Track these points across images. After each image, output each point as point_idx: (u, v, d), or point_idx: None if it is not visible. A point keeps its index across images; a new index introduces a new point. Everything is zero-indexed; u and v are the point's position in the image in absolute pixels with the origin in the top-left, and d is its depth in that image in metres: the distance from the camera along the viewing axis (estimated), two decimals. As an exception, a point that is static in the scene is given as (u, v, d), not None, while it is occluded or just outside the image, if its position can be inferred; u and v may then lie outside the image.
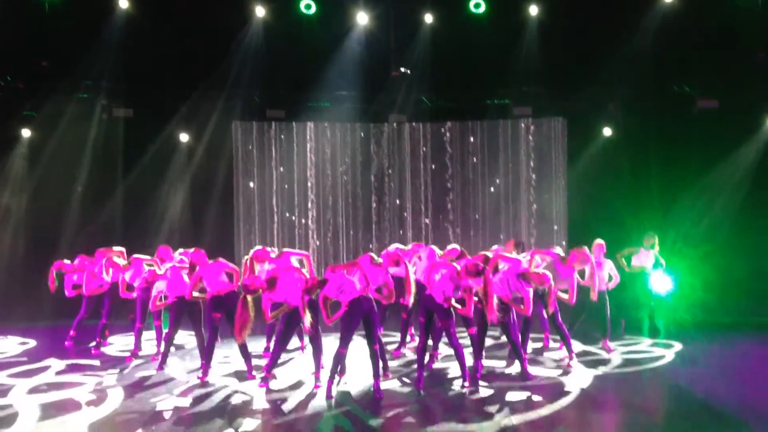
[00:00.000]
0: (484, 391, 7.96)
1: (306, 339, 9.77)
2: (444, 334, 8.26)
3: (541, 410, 7.15)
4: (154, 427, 6.76)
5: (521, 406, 7.32)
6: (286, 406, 7.45)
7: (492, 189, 16.73)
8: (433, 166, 16.97)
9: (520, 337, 8.77)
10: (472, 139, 16.85)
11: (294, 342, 10.17)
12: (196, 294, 8.91)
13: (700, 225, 14.71)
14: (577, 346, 10.10)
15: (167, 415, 7.16)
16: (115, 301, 10.73)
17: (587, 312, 9.98)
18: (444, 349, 9.95)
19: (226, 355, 9.88)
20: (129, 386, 8.39)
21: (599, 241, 10.32)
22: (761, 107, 14.70)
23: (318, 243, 16.79)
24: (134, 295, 10.18)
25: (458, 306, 7.93)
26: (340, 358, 7.80)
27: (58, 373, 9.16)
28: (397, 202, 17.01)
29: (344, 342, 7.79)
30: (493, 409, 7.23)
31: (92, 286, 10.69)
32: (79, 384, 8.48)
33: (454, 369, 8.88)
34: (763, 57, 13.99)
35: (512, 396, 7.74)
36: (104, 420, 7.01)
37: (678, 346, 10.35)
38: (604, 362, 9.40)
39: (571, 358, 9.21)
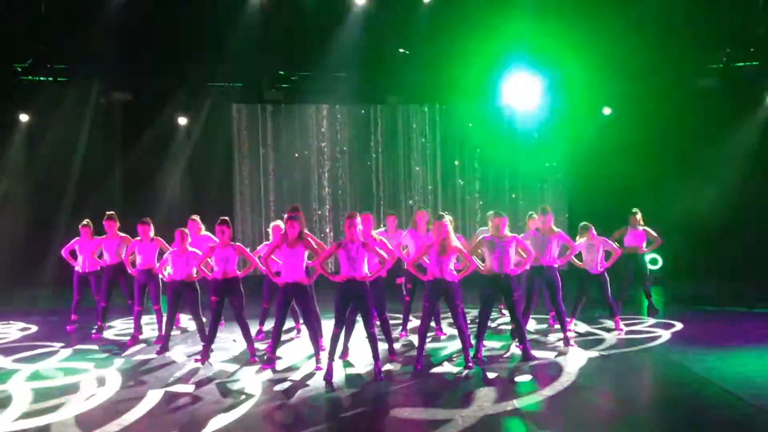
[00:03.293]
0: (486, 372, 7.97)
1: (301, 321, 9.84)
2: (451, 314, 8.27)
3: (543, 391, 7.17)
4: (155, 410, 6.78)
5: (522, 387, 7.34)
6: (287, 388, 7.47)
7: (491, 168, 16.76)
8: (432, 146, 16.96)
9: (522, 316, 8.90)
10: (471, 120, 16.82)
11: (289, 323, 10.27)
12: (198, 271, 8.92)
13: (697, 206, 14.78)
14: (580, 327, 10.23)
15: (167, 399, 7.17)
16: (111, 283, 10.57)
17: (588, 294, 10.10)
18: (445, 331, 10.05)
19: (235, 339, 9.85)
20: (129, 370, 8.40)
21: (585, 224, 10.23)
22: (762, 84, 14.64)
23: (317, 222, 16.80)
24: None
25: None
26: (334, 339, 7.80)
27: (60, 358, 9.17)
28: (396, 182, 17.01)
29: (337, 323, 7.80)
30: (494, 389, 7.24)
31: (88, 263, 10.72)
32: (79, 369, 8.51)
33: (451, 350, 8.95)
34: (763, 33, 13.91)
35: (513, 377, 7.77)
36: (103, 404, 7.03)
37: (679, 326, 10.38)
38: (605, 342, 9.42)
39: (566, 336, 9.23)
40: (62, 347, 9.70)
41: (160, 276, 9.86)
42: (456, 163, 16.90)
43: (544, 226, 9.38)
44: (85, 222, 10.86)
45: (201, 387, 7.60)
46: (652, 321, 10.84)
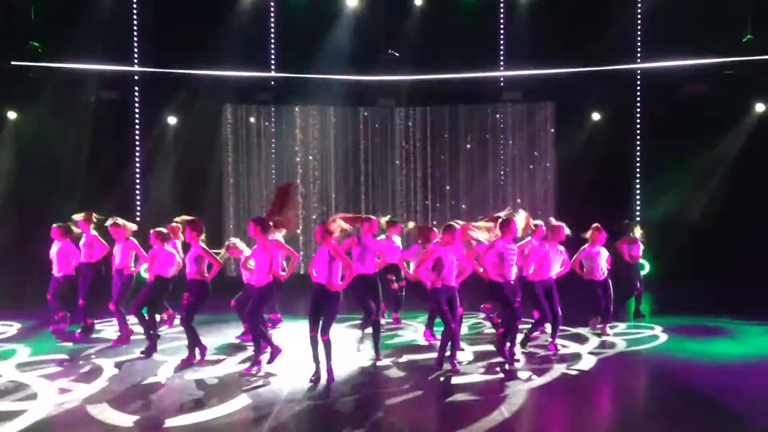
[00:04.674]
0: (477, 374, 8.00)
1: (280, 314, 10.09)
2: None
3: (532, 390, 7.19)
4: (143, 409, 6.76)
5: (512, 387, 7.36)
6: (275, 388, 7.45)
7: (481, 172, 16.76)
8: (423, 149, 16.96)
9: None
10: (461, 122, 16.84)
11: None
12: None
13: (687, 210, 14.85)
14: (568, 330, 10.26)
15: (154, 399, 7.14)
16: (87, 281, 10.30)
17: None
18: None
19: (237, 337, 9.83)
20: (115, 370, 8.32)
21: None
22: (749, 91, 14.71)
23: (306, 225, 16.77)
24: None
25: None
26: (312, 342, 7.74)
27: (43, 356, 9.10)
28: (387, 184, 17.00)
29: (310, 326, 7.74)
30: (484, 392, 7.27)
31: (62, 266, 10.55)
32: (64, 367, 8.46)
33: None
34: (752, 40, 13.99)
35: (504, 377, 7.80)
36: (91, 402, 6.99)
37: (659, 329, 10.44)
38: (592, 346, 9.46)
39: (554, 342, 9.23)
40: (45, 344, 9.66)
41: (134, 276, 9.93)
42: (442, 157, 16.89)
43: (551, 242, 9.25)
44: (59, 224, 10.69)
45: (187, 386, 7.58)
46: (635, 325, 10.88)
